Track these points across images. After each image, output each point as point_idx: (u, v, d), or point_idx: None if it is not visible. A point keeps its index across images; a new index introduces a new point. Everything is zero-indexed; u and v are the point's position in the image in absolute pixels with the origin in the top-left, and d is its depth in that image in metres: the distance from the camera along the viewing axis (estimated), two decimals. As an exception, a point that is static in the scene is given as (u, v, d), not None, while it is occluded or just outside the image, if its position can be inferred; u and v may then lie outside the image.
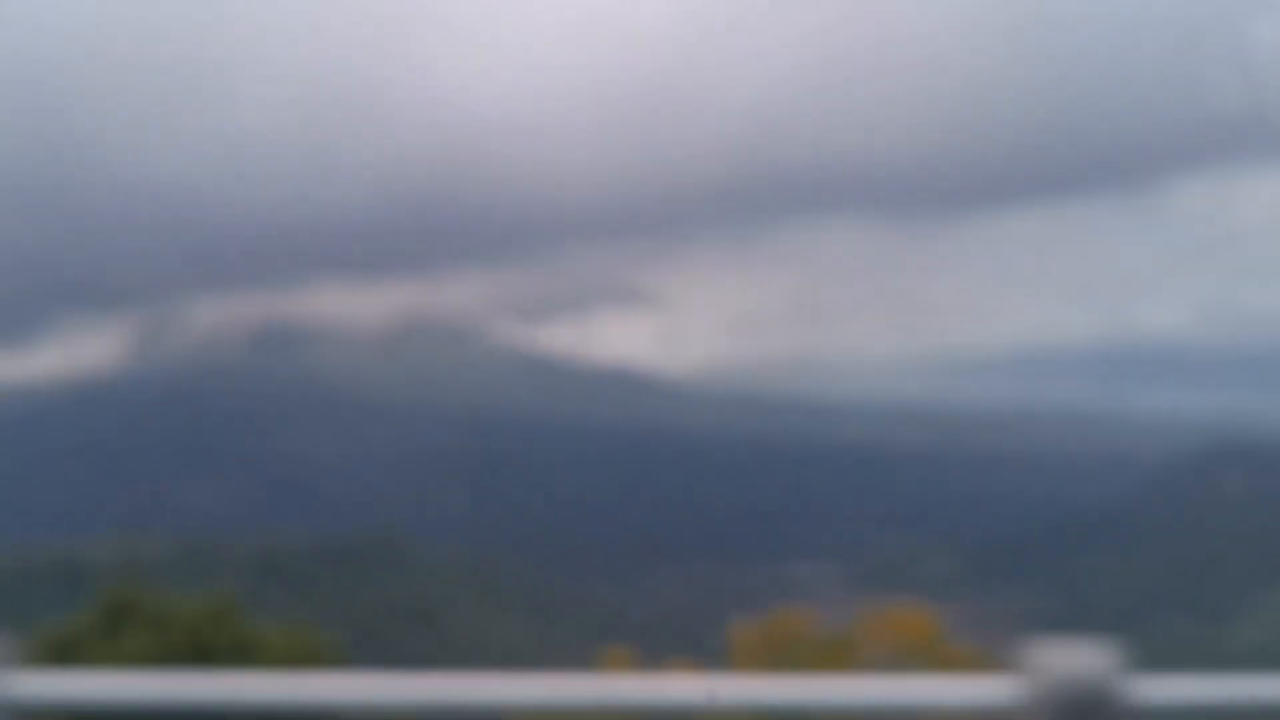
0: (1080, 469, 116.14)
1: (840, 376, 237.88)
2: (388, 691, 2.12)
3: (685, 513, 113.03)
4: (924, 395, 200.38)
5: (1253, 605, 57.02)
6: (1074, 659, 2.12)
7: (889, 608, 13.46)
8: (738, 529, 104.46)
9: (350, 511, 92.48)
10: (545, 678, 2.07)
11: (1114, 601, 64.52)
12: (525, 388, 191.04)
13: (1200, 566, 66.87)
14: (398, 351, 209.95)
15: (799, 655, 13.00)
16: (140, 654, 11.39)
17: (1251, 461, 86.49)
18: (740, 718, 2.11)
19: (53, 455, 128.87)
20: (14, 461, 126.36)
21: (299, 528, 70.76)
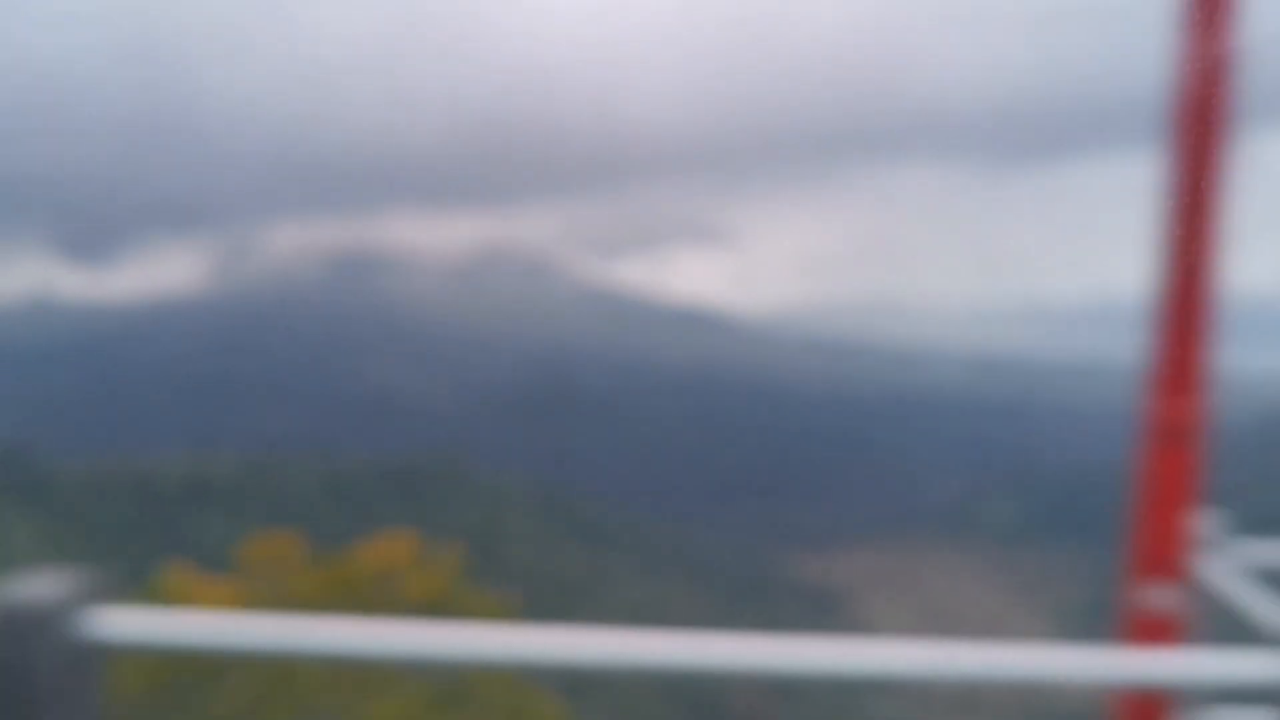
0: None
1: (916, 321, 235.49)
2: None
3: (752, 453, 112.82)
4: (1001, 343, 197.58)
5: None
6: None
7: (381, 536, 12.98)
8: (803, 470, 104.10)
9: (419, 438, 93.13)
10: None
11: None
12: (597, 322, 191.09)
13: (1264, 525, 65.44)
14: (472, 281, 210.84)
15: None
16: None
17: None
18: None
19: (132, 372, 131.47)
20: (96, 377, 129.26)
21: (367, 451, 71.60)
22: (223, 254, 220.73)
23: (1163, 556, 3.50)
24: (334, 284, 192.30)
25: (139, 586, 12.59)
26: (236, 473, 53.66)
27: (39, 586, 2.12)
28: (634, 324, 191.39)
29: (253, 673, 10.93)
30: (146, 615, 2.13)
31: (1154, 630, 3.51)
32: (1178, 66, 3.54)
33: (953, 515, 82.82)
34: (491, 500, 58.20)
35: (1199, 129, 3.52)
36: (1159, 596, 3.40)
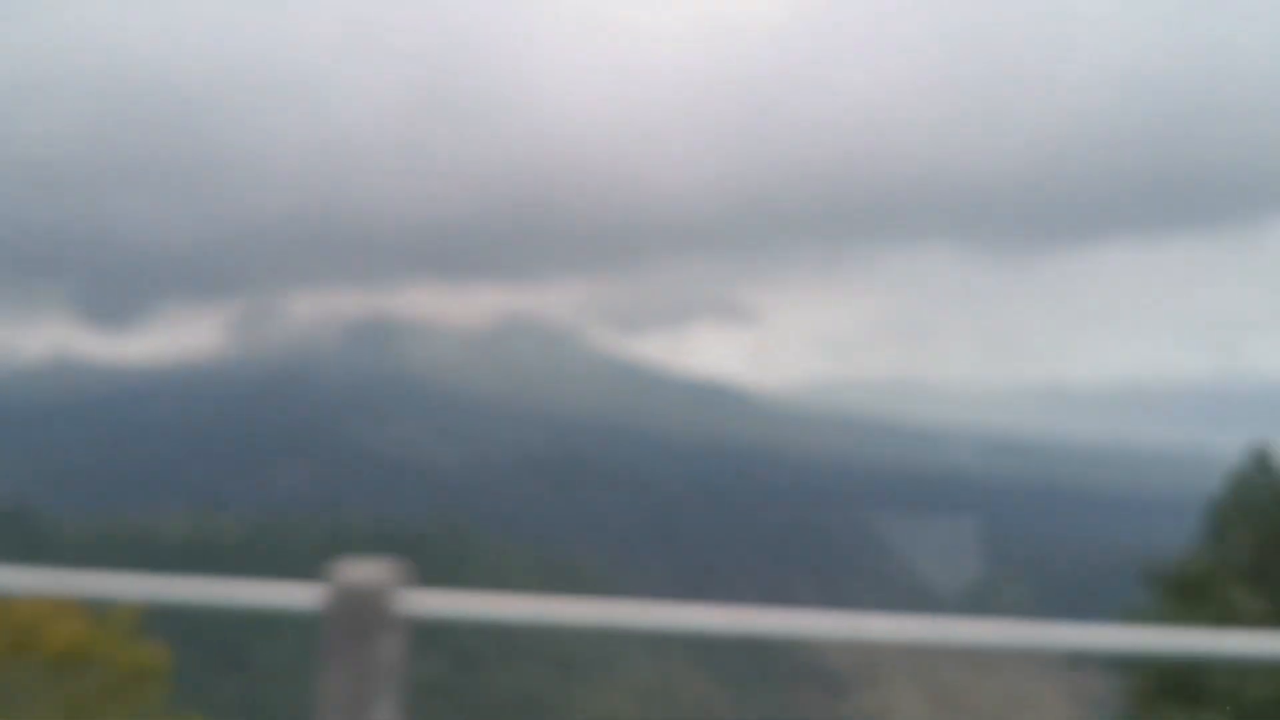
0: (1172, 509, 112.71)
1: (934, 401, 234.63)
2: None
3: (766, 529, 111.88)
4: (1018, 425, 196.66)
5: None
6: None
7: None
8: (817, 548, 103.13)
9: (430, 504, 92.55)
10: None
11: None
12: (615, 394, 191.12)
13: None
14: (490, 351, 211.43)
15: None
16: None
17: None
18: None
19: (147, 434, 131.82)
20: (111, 438, 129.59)
21: (375, 516, 71.08)
22: (242, 320, 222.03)
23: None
24: (352, 351, 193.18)
25: None
26: (238, 534, 53.27)
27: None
28: (651, 397, 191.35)
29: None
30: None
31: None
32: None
33: (967, 598, 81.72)
34: (495, 568, 57.57)
35: None
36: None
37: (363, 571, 2.67)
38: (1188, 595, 14.43)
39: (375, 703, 2.60)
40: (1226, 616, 13.23)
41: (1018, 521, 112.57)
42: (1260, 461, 16.22)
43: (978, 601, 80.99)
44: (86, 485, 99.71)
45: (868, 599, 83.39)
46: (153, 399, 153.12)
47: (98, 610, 13.01)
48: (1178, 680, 13.32)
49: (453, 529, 61.72)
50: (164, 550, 51.89)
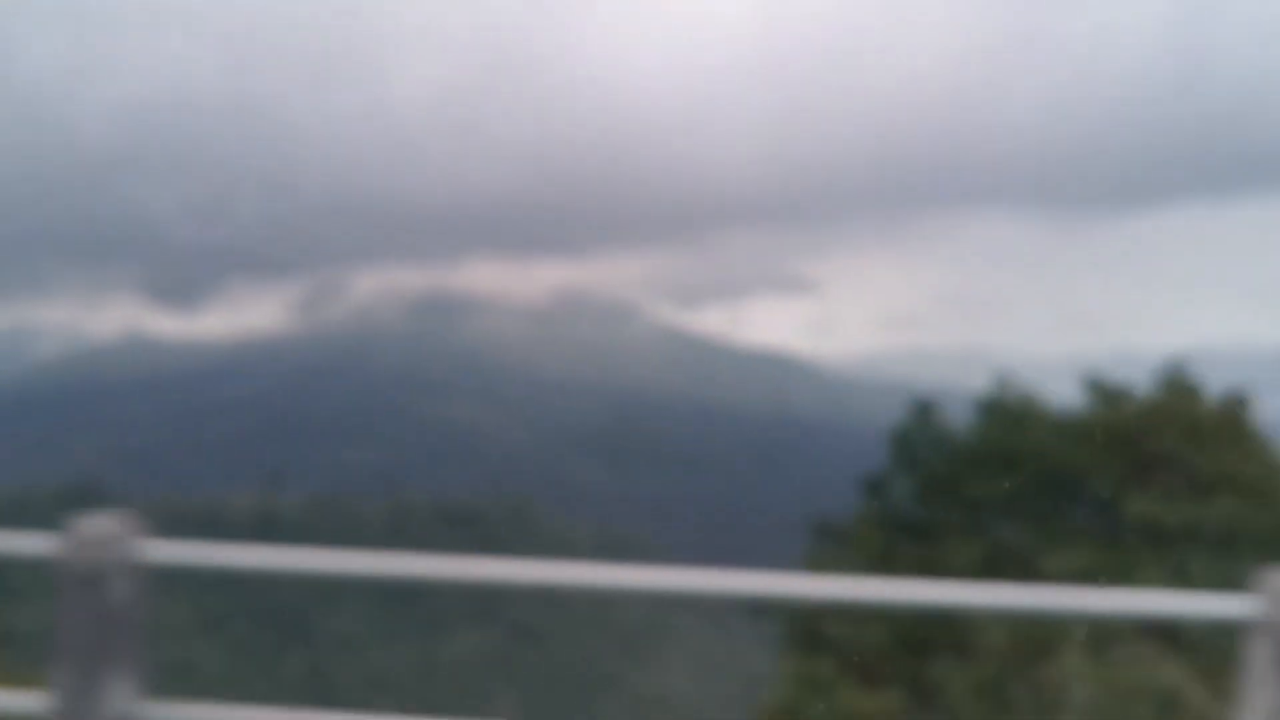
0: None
1: (1001, 371, 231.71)
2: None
3: (827, 500, 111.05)
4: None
5: None
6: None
7: None
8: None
9: (493, 480, 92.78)
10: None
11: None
12: (676, 367, 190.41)
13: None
14: (552, 326, 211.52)
15: None
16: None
17: None
18: None
19: (214, 411, 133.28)
20: (179, 416, 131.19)
21: (439, 492, 71.32)
22: (306, 298, 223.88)
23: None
24: (415, 327, 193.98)
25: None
26: (302, 511, 53.66)
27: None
28: (713, 370, 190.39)
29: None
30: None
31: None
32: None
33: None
34: (555, 545, 57.57)
35: None
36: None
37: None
38: (845, 545, 15.14)
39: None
40: (879, 564, 13.86)
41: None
42: (922, 416, 16.30)
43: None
44: (154, 462, 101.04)
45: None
46: (219, 377, 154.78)
47: None
48: (805, 628, 14.05)
49: (513, 505, 61.77)
50: (228, 528, 52.39)
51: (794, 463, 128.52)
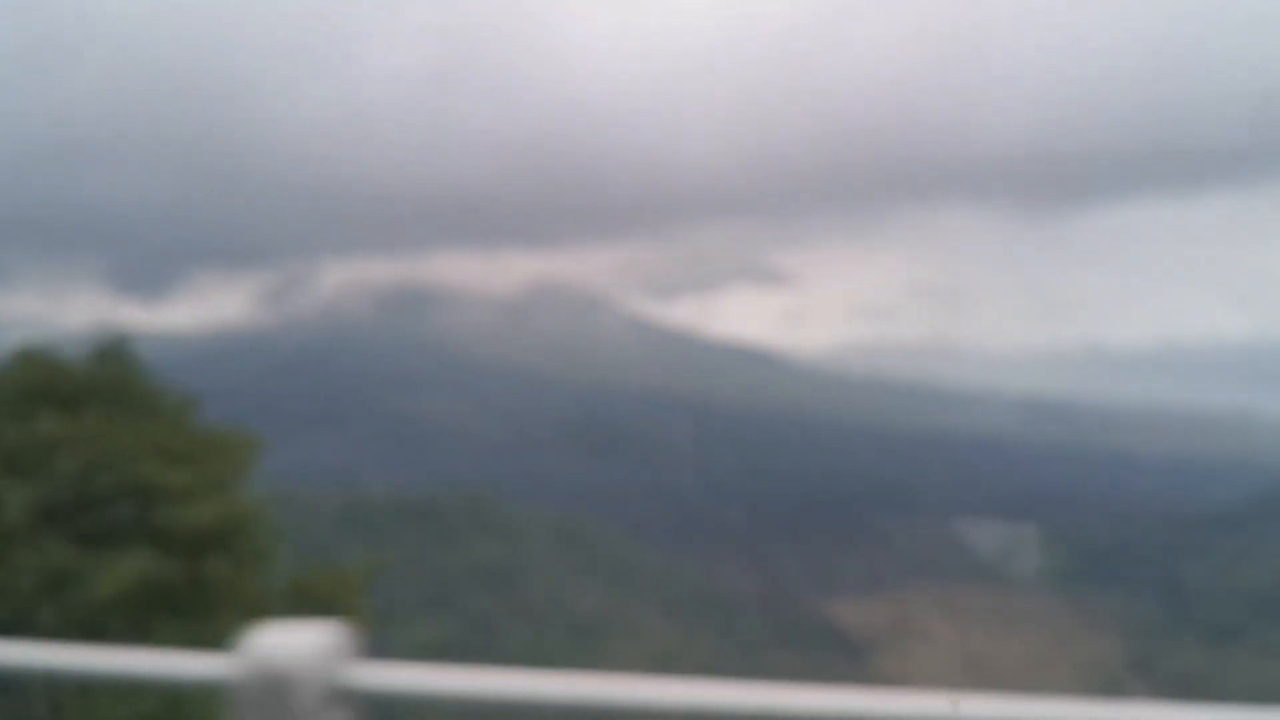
0: (1209, 471, 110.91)
1: (970, 363, 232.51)
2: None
3: (794, 492, 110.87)
4: (1055, 386, 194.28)
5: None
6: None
7: None
8: (845, 511, 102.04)
9: (457, 472, 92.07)
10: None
11: (1214, 607, 60.83)
12: (648, 360, 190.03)
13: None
14: (523, 318, 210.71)
15: None
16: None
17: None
18: None
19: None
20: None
21: (399, 484, 70.54)
22: (274, 289, 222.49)
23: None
24: (384, 319, 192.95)
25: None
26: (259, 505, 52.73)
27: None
28: (684, 362, 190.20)
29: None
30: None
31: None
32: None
33: (995, 562, 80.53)
34: (515, 536, 56.99)
35: None
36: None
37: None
38: None
39: None
40: None
41: (1051, 483, 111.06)
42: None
43: (1008, 564, 79.86)
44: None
45: (896, 562, 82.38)
46: (186, 368, 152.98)
47: None
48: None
49: (469, 497, 61.07)
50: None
51: (759, 456, 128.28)
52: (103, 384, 11.43)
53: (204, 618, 9.91)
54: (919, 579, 76.97)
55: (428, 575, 47.95)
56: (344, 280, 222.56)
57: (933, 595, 73.84)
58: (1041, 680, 57.73)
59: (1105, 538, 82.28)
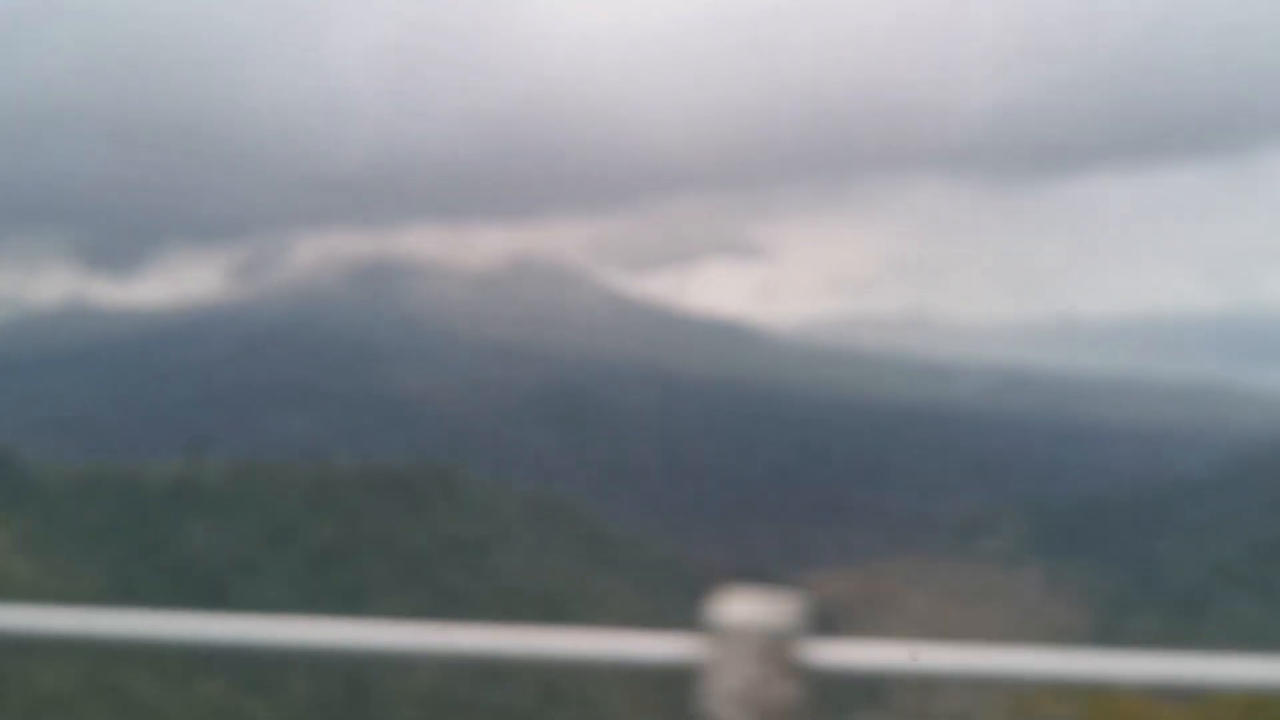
0: (1181, 443, 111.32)
1: (944, 336, 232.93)
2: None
3: (767, 467, 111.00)
4: (1029, 359, 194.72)
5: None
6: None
7: None
8: (818, 485, 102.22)
9: (430, 446, 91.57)
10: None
11: (1184, 578, 61.07)
12: (625, 335, 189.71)
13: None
14: (497, 292, 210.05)
15: None
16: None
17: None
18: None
19: (151, 379, 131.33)
20: (115, 383, 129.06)
21: (371, 458, 70.11)
22: (246, 264, 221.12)
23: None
24: (357, 293, 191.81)
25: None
26: (226, 478, 52.44)
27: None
28: (660, 336, 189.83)
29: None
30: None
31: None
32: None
33: (965, 534, 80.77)
34: (486, 509, 56.78)
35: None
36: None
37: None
38: None
39: None
40: None
41: (1024, 455, 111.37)
42: None
43: (978, 536, 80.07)
44: (83, 431, 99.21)
45: (867, 535, 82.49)
46: (157, 344, 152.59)
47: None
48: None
49: (440, 471, 60.72)
50: (146, 495, 51.15)
51: (732, 430, 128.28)
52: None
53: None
54: (892, 551, 77.16)
55: (397, 549, 47.83)
56: (316, 254, 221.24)
57: (906, 567, 74.06)
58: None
59: (1076, 508, 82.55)
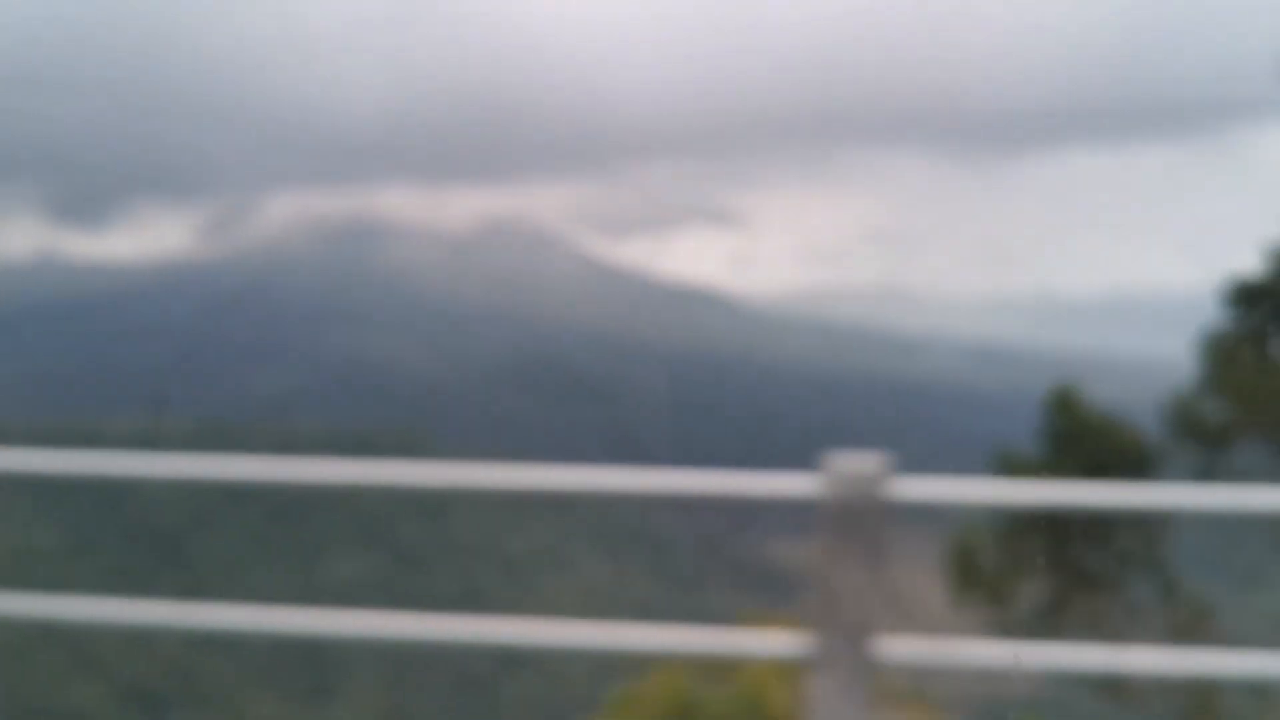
0: (1155, 419, 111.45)
1: (919, 309, 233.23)
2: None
3: (738, 435, 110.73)
4: (1006, 334, 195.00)
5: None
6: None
7: None
8: (789, 454, 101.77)
9: (397, 409, 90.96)
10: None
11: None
12: (601, 300, 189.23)
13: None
14: (471, 255, 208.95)
15: None
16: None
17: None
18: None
19: (117, 336, 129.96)
20: (86, 340, 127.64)
21: (337, 420, 69.48)
22: (217, 220, 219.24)
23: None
24: (329, 254, 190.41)
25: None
26: (186, 436, 51.71)
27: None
28: (634, 301, 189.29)
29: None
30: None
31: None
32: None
33: (937, 506, 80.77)
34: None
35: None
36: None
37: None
38: None
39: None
40: None
41: (999, 429, 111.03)
42: None
43: (941, 508, 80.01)
44: (47, 386, 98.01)
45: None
46: (126, 300, 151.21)
47: None
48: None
49: (402, 434, 60.20)
50: (105, 451, 50.17)
51: (703, 398, 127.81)
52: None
53: None
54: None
55: (358, 509, 47.20)
56: (289, 213, 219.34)
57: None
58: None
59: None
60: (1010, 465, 17.36)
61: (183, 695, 33.25)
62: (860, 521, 2.74)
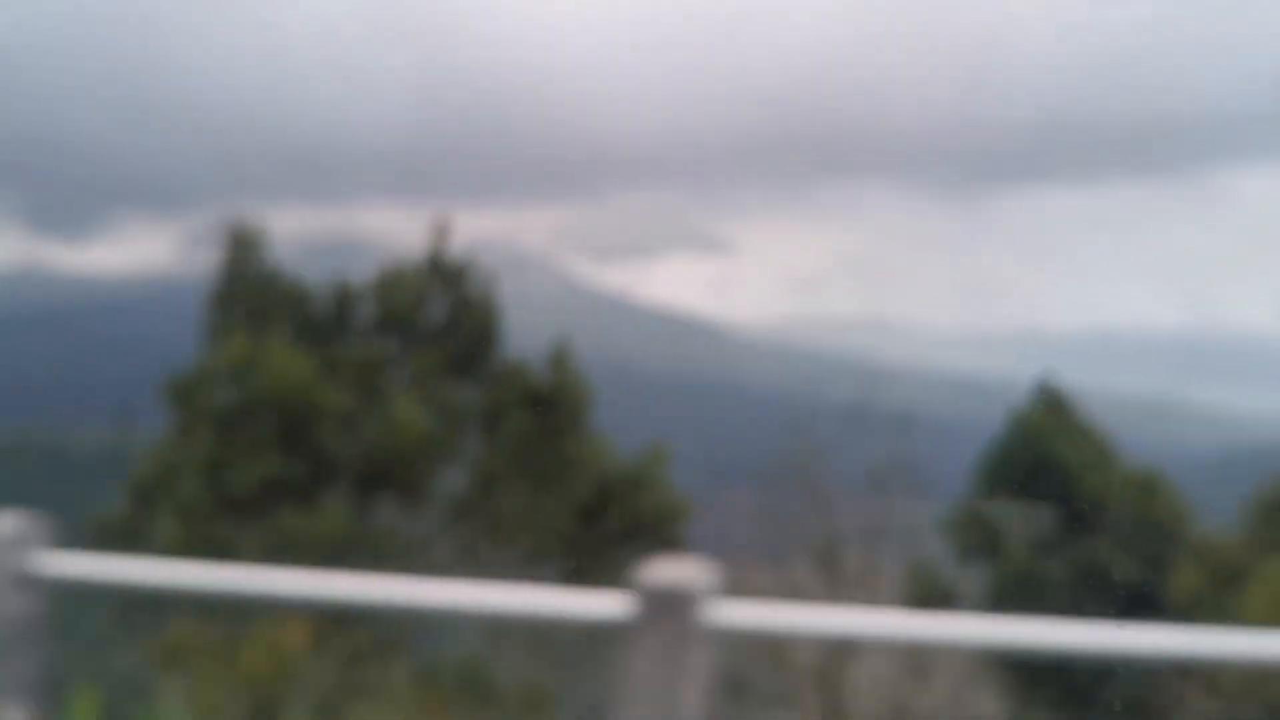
0: (1134, 455, 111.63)
1: (900, 341, 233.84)
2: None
3: (710, 461, 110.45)
4: (987, 367, 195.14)
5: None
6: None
7: None
8: (759, 481, 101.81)
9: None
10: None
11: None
12: (584, 324, 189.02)
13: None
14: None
15: None
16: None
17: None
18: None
19: (105, 348, 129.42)
20: (61, 350, 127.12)
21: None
22: (201, 235, 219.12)
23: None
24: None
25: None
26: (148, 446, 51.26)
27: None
28: (617, 326, 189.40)
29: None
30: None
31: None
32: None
33: (903, 534, 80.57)
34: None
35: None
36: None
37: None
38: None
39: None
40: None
41: (970, 460, 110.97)
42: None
43: (917, 539, 79.88)
44: (21, 396, 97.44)
45: (803, 533, 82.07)
46: (106, 312, 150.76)
47: None
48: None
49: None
50: (71, 463, 49.96)
51: (695, 423, 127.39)
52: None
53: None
54: (818, 550, 76.77)
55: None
56: (274, 229, 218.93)
57: (831, 565, 73.60)
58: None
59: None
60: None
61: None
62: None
